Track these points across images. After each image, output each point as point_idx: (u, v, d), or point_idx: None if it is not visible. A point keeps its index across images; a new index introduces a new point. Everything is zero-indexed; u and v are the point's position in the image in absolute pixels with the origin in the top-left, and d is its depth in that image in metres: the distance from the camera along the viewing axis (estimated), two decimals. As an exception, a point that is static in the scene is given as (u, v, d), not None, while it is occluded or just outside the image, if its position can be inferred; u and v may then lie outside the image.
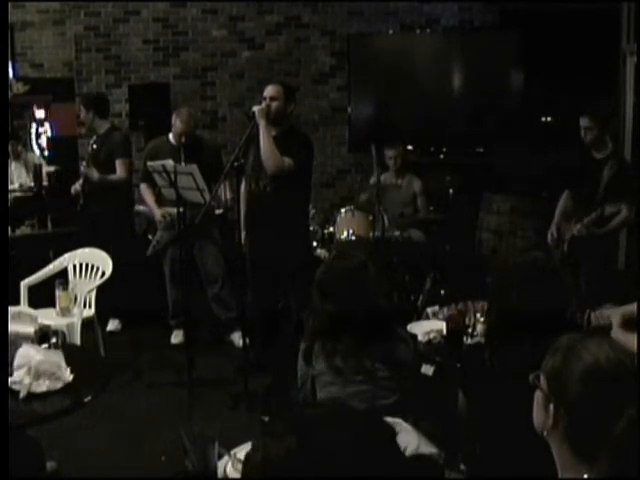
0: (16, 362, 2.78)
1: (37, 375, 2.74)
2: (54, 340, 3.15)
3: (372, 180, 6.10)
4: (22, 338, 3.03)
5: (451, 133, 6.86)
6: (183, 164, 4.60)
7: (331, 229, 5.81)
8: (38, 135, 7.21)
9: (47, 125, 7.21)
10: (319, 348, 2.67)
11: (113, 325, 5.50)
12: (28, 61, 7.73)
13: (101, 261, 4.75)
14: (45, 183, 6.01)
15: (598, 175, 4.58)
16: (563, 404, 1.46)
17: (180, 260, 4.62)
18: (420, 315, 3.84)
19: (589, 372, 1.44)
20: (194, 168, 4.25)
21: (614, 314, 2.73)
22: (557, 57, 5.93)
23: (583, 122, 4.59)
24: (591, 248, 4.31)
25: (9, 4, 6.46)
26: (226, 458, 2.44)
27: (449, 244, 6.11)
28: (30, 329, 3.16)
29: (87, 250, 4.86)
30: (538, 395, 1.53)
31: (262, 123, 4.35)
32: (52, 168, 6.27)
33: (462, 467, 2.31)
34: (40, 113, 7.20)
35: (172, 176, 4.30)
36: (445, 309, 3.58)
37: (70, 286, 4.51)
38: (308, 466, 1.19)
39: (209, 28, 7.24)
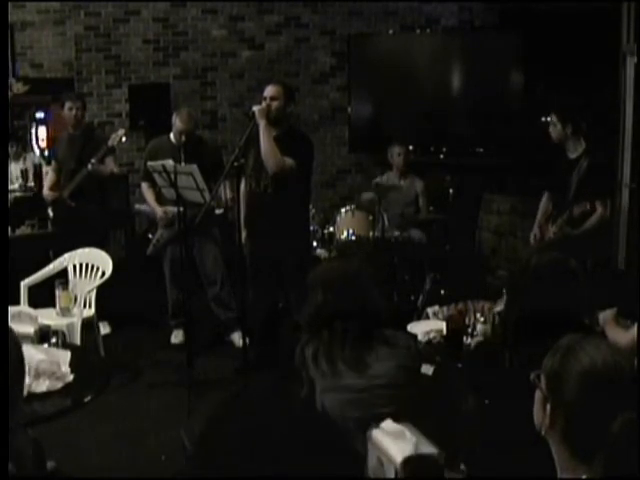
0: (16, 362, 2.77)
1: (37, 375, 2.74)
2: (54, 340, 3.15)
3: (377, 180, 6.11)
4: (22, 338, 3.03)
5: (451, 133, 6.86)
6: (183, 164, 4.60)
7: (331, 229, 5.81)
8: (38, 135, 7.21)
9: (47, 125, 7.21)
10: (314, 353, 2.64)
11: (104, 329, 5.39)
12: (28, 61, 7.73)
13: (101, 261, 4.75)
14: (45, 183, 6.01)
15: (570, 175, 4.62)
16: (560, 404, 1.47)
17: (180, 260, 4.62)
18: (420, 315, 3.84)
19: (586, 374, 1.45)
20: (194, 168, 4.25)
21: (606, 312, 2.85)
22: (557, 57, 5.93)
23: (551, 118, 4.66)
24: (573, 250, 4.29)
25: (9, 4, 6.47)
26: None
27: (449, 244, 6.12)
28: (30, 329, 3.16)
29: (87, 250, 4.85)
30: (538, 394, 1.54)
31: (262, 123, 4.35)
32: (52, 168, 6.27)
33: (462, 467, 2.31)
34: (40, 113, 7.21)
35: (172, 176, 4.30)
36: (445, 309, 3.58)
37: (70, 286, 4.50)
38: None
39: (209, 28, 7.25)
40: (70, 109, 5.37)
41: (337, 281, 2.68)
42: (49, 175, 5.65)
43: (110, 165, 5.37)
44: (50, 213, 5.52)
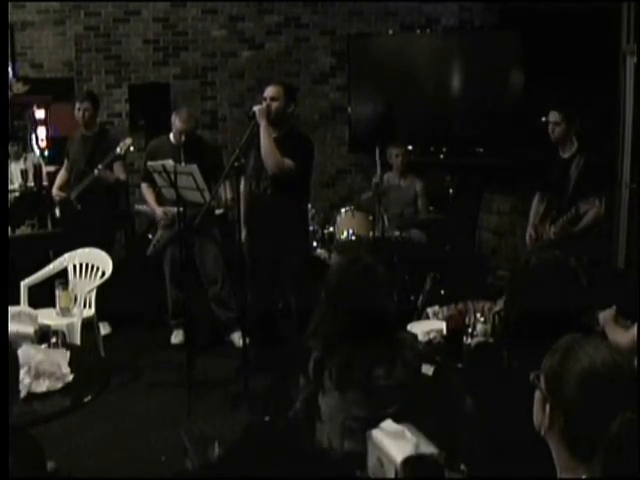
0: (16, 362, 2.77)
1: (37, 375, 2.74)
2: (54, 340, 3.15)
3: (375, 180, 6.11)
4: (22, 338, 3.03)
5: (451, 133, 6.86)
6: (183, 164, 4.60)
7: (331, 229, 5.81)
8: (38, 135, 7.20)
9: (47, 125, 7.21)
10: (320, 352, 2.63)
11: (104, 329, 5.24)
12: (28, 61, 7.74)
13: (101, 261, 4.75)
14: (45, 183, 6.01)
15: (566, 174, 4.61)
16: (559, 404, 1.47)
17: (180, 260, 4.62)
18: (420, 315, 3.84)
19: (585, 374, 1.44)
20: (194, 168, 4.25)
21: (606, 312, 2.87)
22: (557, 57, 5.93)
23: (552, 117, 4.63)
24: (569, 248, 4.29)
25: (9, 4, 6.47)
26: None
27: (449, 244, 6.11)
28: (30, 329, 3.16)
29: (87, 250, 4.86)
30: (537, 395, 1.54)
31: (263, 123, 4.34)
32: (52, 168, 6.27)
33: (462, 467, 2.31)
34: (40, 113, 7.20)
35: (172, 176, 4.30)
36: (445, 309, 3.58)
37: (70, 286, 4.50)
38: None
39: (209, 28, 7.25)
40: (79, 110, 5.37)
41: (353, 276, 2.67)
42: (60, 174, 5.65)
43: (118, 171, 5.38)
44: (57, 213, 5.52)
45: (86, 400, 2.79)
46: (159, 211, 5.11)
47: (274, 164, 4.39)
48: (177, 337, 5.30)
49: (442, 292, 5.41)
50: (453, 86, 6.94)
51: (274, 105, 4.43)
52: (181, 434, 2.94)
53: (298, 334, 4.29)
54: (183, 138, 4.96)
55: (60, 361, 2.85)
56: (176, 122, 4.99)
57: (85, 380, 2.88)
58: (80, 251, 4.85)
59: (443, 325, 3.32)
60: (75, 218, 5.35)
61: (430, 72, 6.98)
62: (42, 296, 4.58)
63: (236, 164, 4.07)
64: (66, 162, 5.63)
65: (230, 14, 7.26)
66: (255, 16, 7.29)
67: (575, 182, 4.57)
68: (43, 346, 3.08)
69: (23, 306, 4.40)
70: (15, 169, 6.29)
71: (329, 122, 7.49)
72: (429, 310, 3.69)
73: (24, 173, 6.16)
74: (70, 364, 2.88)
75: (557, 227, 4.56)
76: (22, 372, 2.74)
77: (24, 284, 4.63)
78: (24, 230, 5.50)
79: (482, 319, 3.25)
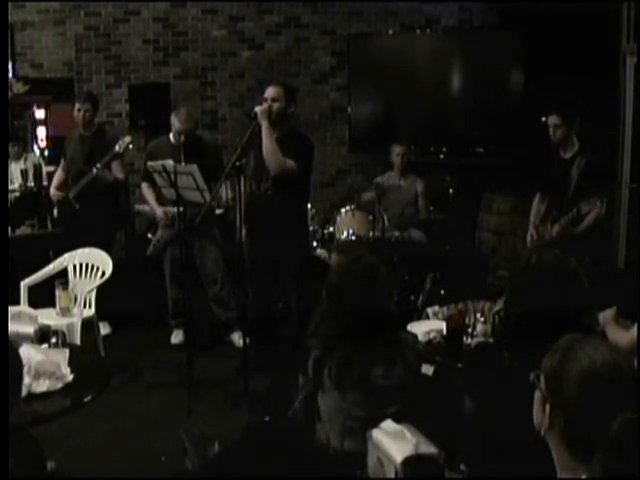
0: (16, 362, 2.77)
1: (37, 375, 2.74)
2: (54, 340, 3.15)
3: (377, 179, 6.10)
4: (22, 338, 3.03)
5: (451, 133, 6.86)
6: (183, 164, 4.60)
7: (331, 229, 5.81)
8: (38, 135, 7.20)
9: (47, 125, 7.21)
10: (321, 352, 2.63)
11: (104, 329, 5.21)
12: (28, 61, 7.75)
13: (101, 261, 4.75)
14: (45, 183, 6.01)
15: (567, 175, 4.60)
16: (559, 404, 1.47)
17: (180, 260, 4.62)
18: (420, 315, 3.84)
19: (585, 374, 1.45)
20: (194, 168, 4.25)
21: (606, 312, 2.88)
22: (557, 57, 5.93)
23: (552, 120, 4.63)
24: (571, 248, 4.29)
25: (9, 4, 6.47)
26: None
27: (449, 244, 6.11)
28: (30, 329, 3.16)
29: (87, 250, 4.85)
30: (537, 395, 1.54)
31: (264, 124, 4.35)
32: (52, 168, 6.27)
33: (462, 467, 2.31)
34: (40, 113, 7.20)
35: (172, 176, 4.30)
36: (445, 309, 3.58)
37: (70, 286, 4.50)
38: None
39: (209, 28, 7.25)
40: (79, 110, 5.37)
41: (354, 276, 2.67)
42: (58, 174, 5.65)
43: (116, 170, 5.37)
44: (55, 212, 5.52)
45: (86, 400, 2.79)
46: (159, 211, 5.11)
47: (276, 164, 4.40)
48: (177, 337, 5.30)
49: (442, 292, 5.41)
50: (453, 86, 6.94)
51: (275, 106, 4.43)
52: (181, 434, 2.95)
53: (298, 334, 4.29)
54: (182, 138, 4.96)
55: (60, 361, 2.85)
56: (175, 122, 4.99)
57: (85, 380, 2.88)
58: (80, 251, 4.85)
59: (443, 325, 3.32)
60: (74, 218, 5.35)
61: (430, 72, 6.98)
62: (42, 296, 4.58)
63: (237, 164, 4.08)
64: (63, 162, 5.63)
65: (230, 14, 7.26)
66: (255, 16, 7.29)
67: (576, 182, 4.57)
68: (43, 346, 3.08)
69: (23, 306, 4.40)
70: (15, 169, 6.29)
71: (329, 122, 7.49)
72: (429, 310, 3.69)
73: (24, 173, 6.17)
74: (70, 364, 2.88)
75: (558, 227, 4.56)
76: (22, 372, 2.74)
77: (24, 284, 4.63)
78: (24, 230, 5.50)
79: (482, 319, 3.25)
